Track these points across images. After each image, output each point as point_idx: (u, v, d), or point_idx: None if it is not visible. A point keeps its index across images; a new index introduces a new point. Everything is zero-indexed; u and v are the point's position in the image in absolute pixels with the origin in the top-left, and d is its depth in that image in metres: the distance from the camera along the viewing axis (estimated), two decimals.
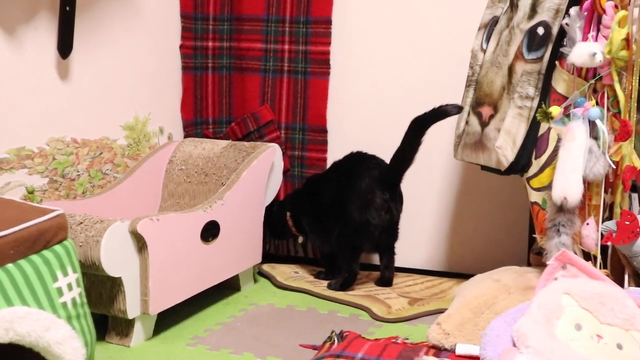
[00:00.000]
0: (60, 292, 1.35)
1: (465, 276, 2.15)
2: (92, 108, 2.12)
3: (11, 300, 1.26)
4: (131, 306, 1.73)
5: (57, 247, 1.38)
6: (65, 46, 2.00)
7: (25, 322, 1.26)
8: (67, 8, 1.98)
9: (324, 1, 2.37)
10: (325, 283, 2.20)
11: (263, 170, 2.18)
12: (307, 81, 2.41)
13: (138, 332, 1.77)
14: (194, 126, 2.47)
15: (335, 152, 2.34)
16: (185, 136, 2.44)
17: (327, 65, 2.38)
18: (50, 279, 1.34)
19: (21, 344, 1.27)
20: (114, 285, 1.72)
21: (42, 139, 1.97)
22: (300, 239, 2.35)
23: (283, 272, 2.31)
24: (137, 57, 2.27)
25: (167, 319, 1.89)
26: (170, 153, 2.31)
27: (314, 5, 2.37)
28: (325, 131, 2.41)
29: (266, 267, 2.34)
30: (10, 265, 1.29)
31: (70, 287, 1.37)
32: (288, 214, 2.28)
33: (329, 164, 2.37)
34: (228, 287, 2.14)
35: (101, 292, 1.75)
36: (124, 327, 1.77)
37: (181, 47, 2.42)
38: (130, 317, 1.74)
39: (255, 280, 2.26)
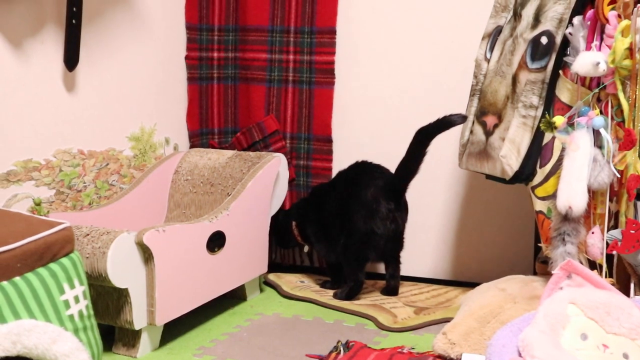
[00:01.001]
0: (67, 304, 1.36)
1: (470, 285, 2.15)
2: (98, 119, 2.14)
3: (18, 313, 1.27)
4: (138, 317, 1.74)
5: (64, 260, 1.39)
6: (71, 59, 2.01)
7: (32, 335, 1.27)
8: (74, 21, 1.99)
9: (329, 11, 2.38)
10: (331, 292, 2.20)
11: (268, 180, 2.19)
12: (312, 91, 2.42)
13: (145, 342, 1.78)
14: (199, 136, 2.48)
15: (340, 162, 2.35)
16: (191, 146, 2.45)
17: (332, 75, 2.39)
18: (57, 292, 1.35)
19: (28, 357, 1.28)
20: (121, 297, 1.73)
21: (49, 151, 1.99)
22: (306, 248, 2.36)
23: (289, 281, 2.32)
24: (143, 69, 2.29)
25: (174, 330, 1.89)
26: (176, 163, 2.32)
27: (319, 16, 2.39)
28: (330, 141, 2.41)
29: (272, 277, 2.34)
30: (17, 279, 1.30)
31: (77, 299, 1.38)
32: (294, 223, 2.29)
33: (334, 173, 2.37)
34: (234, 297, 2.14)
35: (108, 303, 1.75)
36: (130, 338, 1.78)
37: (186, 57, 2.44)
38: (136, 328, 1.74)
39: (261, 290, 2.26)
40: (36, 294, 1.31)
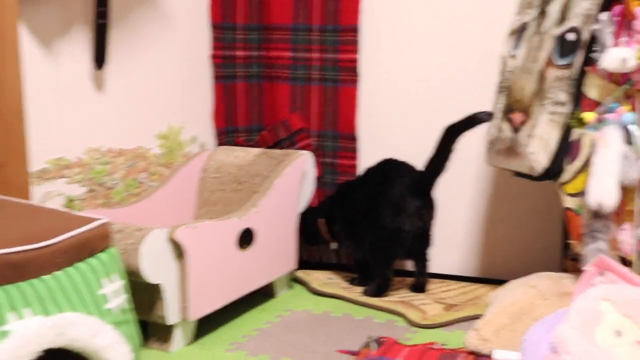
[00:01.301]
0: (106, 298, 1.38)
1: (498, 282, 2.15)
2: (127, 118, 2.16)
3: (60, 307, 1.29)
4: (171, 312, 1.76)
5: (103, 255, 1.41)
6: (100, 58, 2.04)
7: (74, 327, 1.29)
8: (102, 21, 2.02)
9: (351, 9, 2.39)
10: (359, 289, 2.21)
11: (296, 178, 2.20)
12: (336, 89, 2.43)
13: (178, 337, 1.80)
14: (226, 134, 2.50)
15: (366, 159, 2.35)
16: (218, 144, 2.47)
17: (356, 73, 2.39)
18: (97, 286, 1.37)
19: (70, 349, 1.30)
20: (154, 292, 1.75)
21: (79, 149, 2.01)
22: (334, 246, 2.36)
23: (317, 278, 2.32)
24: (170, 67, 2.30)
25: (206, 325, 1.91)
26: (203, 161, 2.33)
27: (341, 14, 2.39)
28: (354, 138, 2.42)
29: (301, 274, 2.35)
30: (58, 273, 1.32)
31: (115, 293, 1.40)
32: (321, 220, 2.30)
33: (359, 170, 2.38)
34: (263, 294, 2.15)
35: (141, 299, 1.77)
36: (164, 333, 1.79)
37: (211, 56, 2.45)
38: (170, 323, 1.76)
39: (290, 287, 2.28)
40: (76, 288, 1.33)
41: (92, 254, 1.40)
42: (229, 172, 2.28)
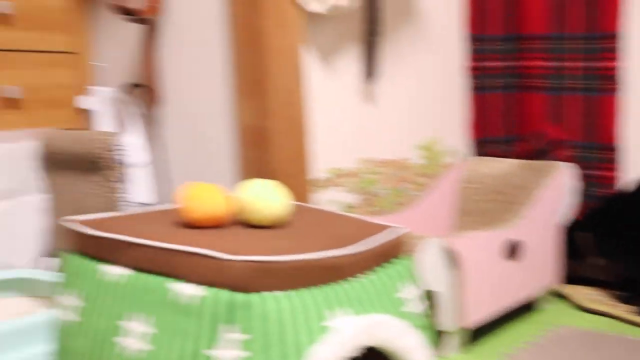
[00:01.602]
0: (408, 303, 1.46)
1: None
2: (393, 129, 2.27)
3: (368, 308, 1.39)
4: (446, 319, 1.82)
5: (403, 261, 1.50)
6: (371, 72, 2.16)
7: (384, 328, 1.38)
8: (373, 37, 2.14)
9: (611, 16, 2.30)
10: (632, 308, 2.11)
11: (557, 189, 2.17)
12: (594, 98, 2.35)
13: (451, 344, 1.86)
14: (482, 145, 2.52)
15: (636, 171, 2.25)
16: (475, 155, 2.50)
17: (616, 82, 2.30)
18: (396, 290, 1.46)
19: (378, 349, 1.40)
20: (429, 298, 1.82)
21: (353, 159, 2.15)
22: (600, 261, 2.29)
23: (583, 294, 2.26)
24: (429, 80, 2.38)
25: (474, 335, 1.94)
26: (461, 172, 2.38)
27: (600, 21, 2.32)
28: (614, 149, 2.33)
29: (565, 289, 2.30)
30: (365, 276, 1.42)
31: (416, 299, 1.48)
32: (586, 234, 2.24)
33: (620, 182, 2.29)
34: (526, 307, 2.15)
35: None
36: (437, 339, 1.86)
37: (468, 68, 2.49)
38: (445, 329, 1.82)
39: (554, 302, 2.24)
40: (379, 291, 1.42)
41: (391, 259, 1.49)
42: (486, 183, 2.31)
